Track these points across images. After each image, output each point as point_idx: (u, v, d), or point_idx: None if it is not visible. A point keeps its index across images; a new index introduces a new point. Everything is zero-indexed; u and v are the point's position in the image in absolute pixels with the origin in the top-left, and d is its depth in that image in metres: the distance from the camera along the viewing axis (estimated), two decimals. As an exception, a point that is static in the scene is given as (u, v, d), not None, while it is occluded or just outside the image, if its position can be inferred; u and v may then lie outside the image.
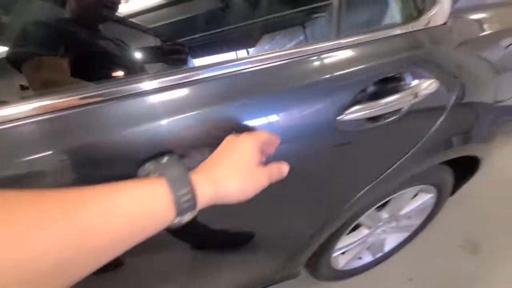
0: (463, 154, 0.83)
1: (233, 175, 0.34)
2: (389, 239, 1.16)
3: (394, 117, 0.60)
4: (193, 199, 0.30)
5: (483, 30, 0.75)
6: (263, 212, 0.61)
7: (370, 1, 0.63)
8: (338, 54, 0.54)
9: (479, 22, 0.76)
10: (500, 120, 0.86)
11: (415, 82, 0.59)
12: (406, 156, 0.69)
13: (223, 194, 0.33)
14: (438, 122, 0.68)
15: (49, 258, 0.21)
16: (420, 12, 0.63)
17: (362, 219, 0.92)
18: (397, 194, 0.90)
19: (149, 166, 0.34)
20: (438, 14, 0.64)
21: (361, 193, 0.71)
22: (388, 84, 0.58)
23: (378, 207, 0.97)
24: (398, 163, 0.69)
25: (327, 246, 0.92)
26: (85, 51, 0.41)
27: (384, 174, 0.70)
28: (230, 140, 0.38)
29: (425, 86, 0.59)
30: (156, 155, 0.37)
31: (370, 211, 0.88)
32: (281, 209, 0.64)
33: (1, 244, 0.19)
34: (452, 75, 0.65)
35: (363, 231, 1.01)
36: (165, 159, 0.35)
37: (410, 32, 0.61)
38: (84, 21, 0.39)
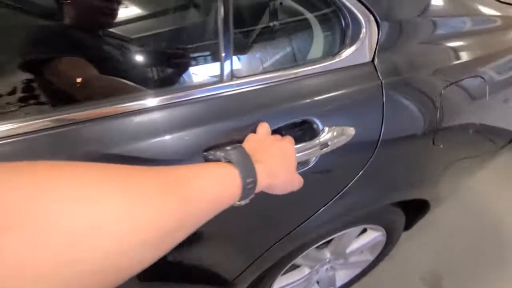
0: (403, 199, 0.76)
1: (284, 172, 0.40)
2: (340, 275, 1.09)
3: (303, 168, 0.53)
4: (254, 187, 0.34)
5: (459, 58, 0.69)
6: (184, 252, 0.55)
7: (274, 36, 0.56)
8: (227, 98, 0.46)
9: (455, 50, 0.69)
10: (447, 160, 0.79)
11: (324, 131, 0.51)
12: (325, 207, 0.62)
13: (273, 185, 0.39)
14: (362, 171, 0.61)
15: (169, 221, 0.24)
16: (338, 50, 0.56)
17: (299, 260, 0.85)
18: (337, 234, 0.83)
19: (217, 152, 0.37)
20: (360, 51, 0.57)
21: (282, 239, 0.64)
22: (293, 132, 0.51)
23: (319, 246, 0.90)
24: (317, 213, 0.62)
25: (260, 286, 0.85)
26: (88, 56, 0.40)
27: (303, 224, 0.63)
28: (276, 141, 0.43)
29: (337, 134, 0.52)
30: (222, 144, 0.42)
31: (305, 253, 0.81)
32: (204, 248, 0.58)
33: (130, 210, 0.21)
34: (375, 119, 0.58)
35: (304, 270, 0.94)
36: (231, 147, 0.38)
37: (323, 72, 0.54)
38: (84, 27, 0.39)
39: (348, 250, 0.96)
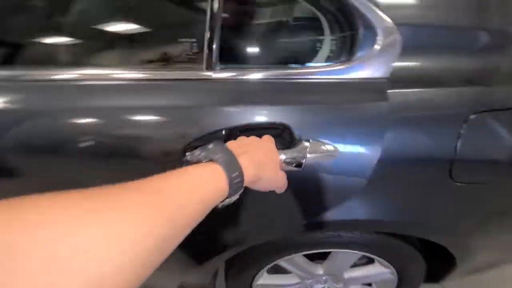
0: (401, 233, 0.66)
1: (270, 165, 0.40)
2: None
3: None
4: (242, 181, 0.34)
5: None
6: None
7: (274, 31, 0.56)
8: (200, 87, 0.51)
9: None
10: (477, 204, 0.63)
11: (300, 145, 0.50)
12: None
13: (260, 177, 0.37)
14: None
15: (155, 236, 0.23)
16: (343, 58, 0.54)
17: (285, 264, 0.83)
18: (326, 250, 0.78)
19: (195, 153, 0.36)
20: (371, 64, 0.52)
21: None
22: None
23: (312, 259, 0.86)
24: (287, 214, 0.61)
25: (242, 274, 0.87)
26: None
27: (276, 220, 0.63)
28: (256, 139, 0.43)
29: (314, 149, 0.49)
30: (204, 142, 0.43)
31: (290, 257, 0.79)
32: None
33: (116, 229, 0.21)
34: (373, 141, 0.52)
35: (294, 278, 0.91)
36: (211, 145, 0.37)
37: (319, 79, 0.52)
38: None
39: (346, 276, 0.88)
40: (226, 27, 0.53)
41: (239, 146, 0.39)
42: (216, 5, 0.50)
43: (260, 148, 0.41)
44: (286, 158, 0.49)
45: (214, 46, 0.51)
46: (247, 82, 0.53)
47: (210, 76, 0.52)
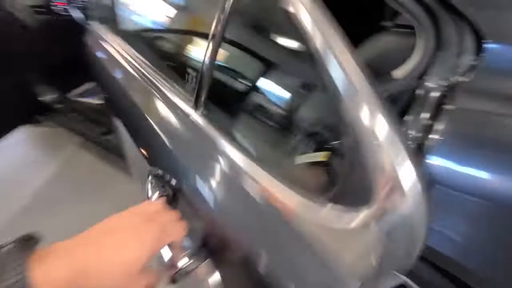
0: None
1: (105, 273, 0.30)
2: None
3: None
4: None
5: None
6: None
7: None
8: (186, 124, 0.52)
9: None
10: None
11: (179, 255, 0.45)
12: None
13: (88, 286, 0.29)
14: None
15: None
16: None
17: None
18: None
19: None
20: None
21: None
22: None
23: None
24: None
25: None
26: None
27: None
28: (149, 221, 0.35)
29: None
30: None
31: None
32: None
33: None
34: None
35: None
36: (4, 248, 0.28)
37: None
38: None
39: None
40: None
41: (101, 233, 0.32)
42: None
43: (100, 244, 0.31)
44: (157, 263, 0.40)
45: (202, 86, 0.53)
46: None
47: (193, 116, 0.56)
